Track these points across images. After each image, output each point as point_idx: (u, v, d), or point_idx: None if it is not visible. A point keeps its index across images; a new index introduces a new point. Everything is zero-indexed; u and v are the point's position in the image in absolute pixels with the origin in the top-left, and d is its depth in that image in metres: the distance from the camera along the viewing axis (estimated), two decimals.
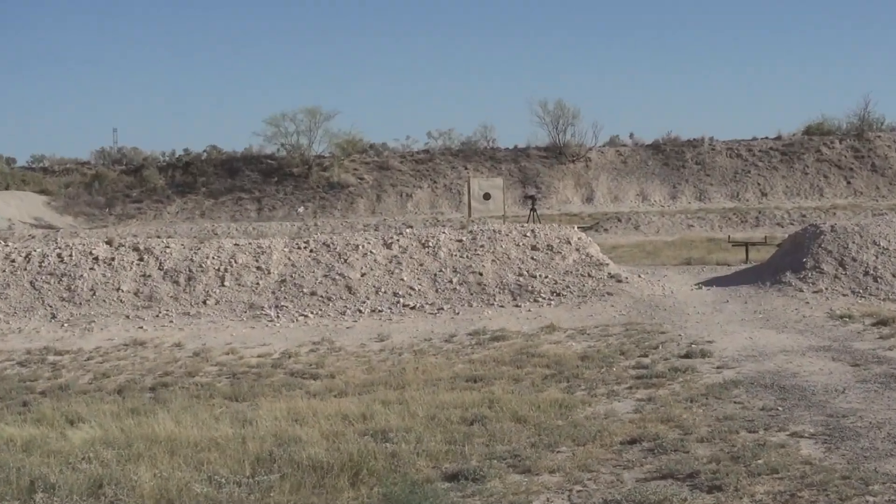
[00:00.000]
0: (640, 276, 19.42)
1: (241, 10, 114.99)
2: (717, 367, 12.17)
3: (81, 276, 18.84)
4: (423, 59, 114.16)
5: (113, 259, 19.27)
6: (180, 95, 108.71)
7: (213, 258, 19.20)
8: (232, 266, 19.00)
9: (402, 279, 18.71)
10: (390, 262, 19.25)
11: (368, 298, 18.19)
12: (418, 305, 17.92)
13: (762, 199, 51.31)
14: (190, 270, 18.93)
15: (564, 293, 18.26)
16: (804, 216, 37.49)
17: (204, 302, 18.20)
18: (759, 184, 52.79)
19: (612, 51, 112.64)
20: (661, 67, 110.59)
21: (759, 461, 7.97)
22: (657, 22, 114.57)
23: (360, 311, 17.72)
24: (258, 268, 19.02)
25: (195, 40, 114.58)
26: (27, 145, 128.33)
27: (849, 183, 52.37)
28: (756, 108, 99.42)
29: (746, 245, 25.30)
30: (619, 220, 38.16)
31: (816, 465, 7.94)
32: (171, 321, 17.53)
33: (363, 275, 18.86)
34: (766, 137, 56.87)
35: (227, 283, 18.60)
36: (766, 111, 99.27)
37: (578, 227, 22.67)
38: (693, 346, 13.58)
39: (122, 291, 18.53)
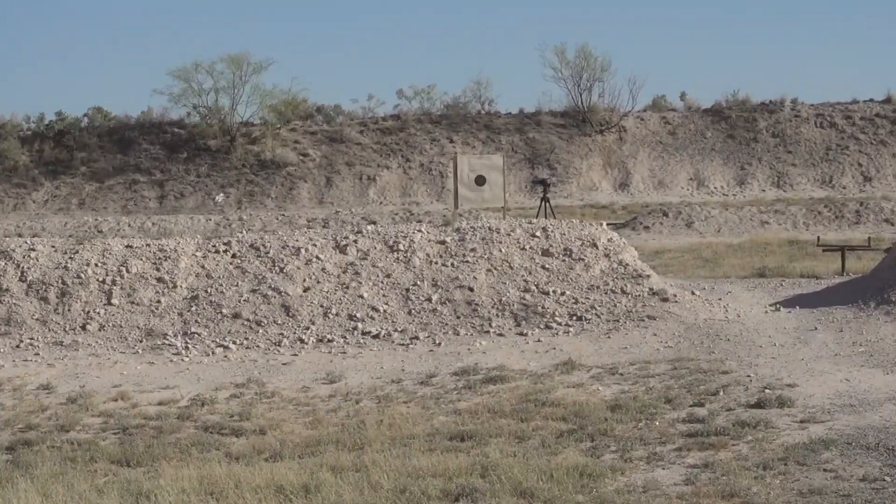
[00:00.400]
0: (693, 293, 19.48)
1: None
2: (801, 421, 12.20)
3: None
4: None
5: None
6: (52, 37, 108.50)
7: (97, 266, 19.13)
8: (123, 277, 18.95)
9: (362, 296, 18.71)
10: (345, 271, 19.24)
11: (314, 323, 18.17)
12: (384, 333, 17.90)
13: (865, 185, 51.58)
14: (64, 283, 18.87)
15: (588, 317, 18.29)
16: None
17: (83, 327, 18.14)
18: (860, 164, 53.06)
19: None
20: (725, 2, 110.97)
21: None
22: None
23: (302, 341, 17.70)
24: (160, 279, 18.97)
25: None
26: None
27: None
28: (857, 59, 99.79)
29: (843, 250, 25.38)
30: (666, 215, 38.26)
31: None
32: (38, 353, 17.46)
33: (306, 290, 18.84)
34: (872, 100, 57.15)
35: (115, 301, 18.55)
36: (871, 64, 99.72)
37: (608, 225, 22.72)
38: (767, 391, 13.61)
39: None
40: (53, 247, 19.75)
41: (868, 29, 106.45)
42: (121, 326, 18.16)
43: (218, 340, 17.74)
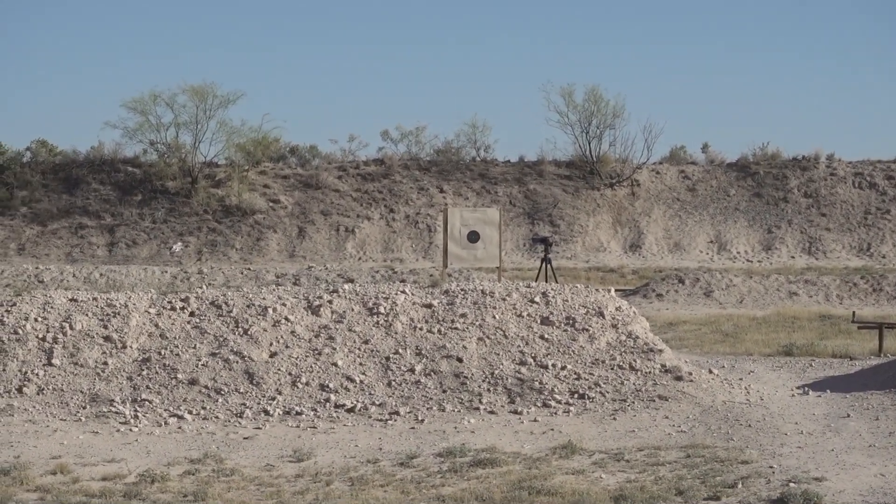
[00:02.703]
0: (711, 372, 19.51)
1: None
2: None
3: None
4: (376, 14, 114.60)
5: None
6: None
7: (37, 321, 19.14)
8: (66, 334, 18.95)
9: (336, 364, 18.71)
10: (317, 335, 19.25)
11: (280, 393, 18.16)
12: (360, 407, 17.90)
13: None
14: None
15: (592, 395, 18.31)
16: None
17: (19, 389, 18.11)
18: None
19: (674, 17, 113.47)
20: (753, 45, 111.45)
21: None
22: None
23: (267, 413, 17.68)
24: (107, 338, 18.97)
25: None
26: None
27: None
28: None
29: (881, 327, 25.39)
30: (682, 282, 38.31)
31: None
32: None
33: (273, 355, 18.84)
34: None
35: (56, 361, 18.54)
36: None
37: (616, 291, 22.79)
38: (792, 484, 13.64)
39: None
40: None
41: None
42: (62, 390, 18.13)
43: (171, 409, 17.72)
